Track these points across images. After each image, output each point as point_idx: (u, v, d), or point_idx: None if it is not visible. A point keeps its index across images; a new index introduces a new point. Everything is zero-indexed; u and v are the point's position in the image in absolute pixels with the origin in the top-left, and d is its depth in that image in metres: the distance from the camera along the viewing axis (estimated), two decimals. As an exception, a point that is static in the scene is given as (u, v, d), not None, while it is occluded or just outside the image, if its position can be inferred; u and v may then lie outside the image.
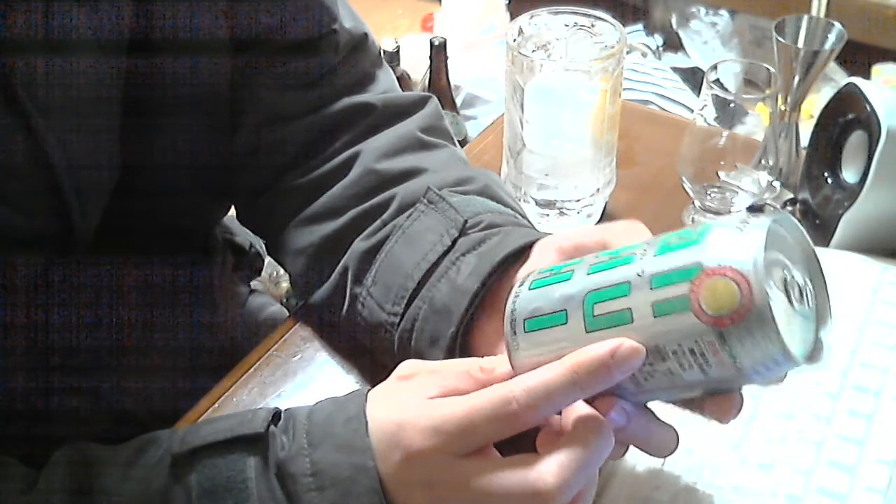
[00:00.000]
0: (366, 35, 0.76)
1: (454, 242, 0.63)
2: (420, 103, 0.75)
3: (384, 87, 0.76)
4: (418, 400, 0.51)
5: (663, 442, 0.52)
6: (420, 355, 0.61)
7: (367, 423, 0.51)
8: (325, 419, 0.53)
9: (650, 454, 0.53)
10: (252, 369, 0.71)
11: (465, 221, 0.63)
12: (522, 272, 0.59)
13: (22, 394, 0.68)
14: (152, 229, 0.71)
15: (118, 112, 0.65)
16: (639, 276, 0.47)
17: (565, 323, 0.48)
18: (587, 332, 0.48)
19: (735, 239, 0.45)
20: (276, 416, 0.54)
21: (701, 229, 0.47)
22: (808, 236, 0.49)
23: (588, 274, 0.49)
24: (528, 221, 0.68)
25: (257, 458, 0.52)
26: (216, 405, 0.68)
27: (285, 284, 1.32)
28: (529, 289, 0.51)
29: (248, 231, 0.89)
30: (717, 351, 0.45)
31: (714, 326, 0.44)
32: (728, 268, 0.44)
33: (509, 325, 0.51)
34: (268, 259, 0.93)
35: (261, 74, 0.71)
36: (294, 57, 0.72)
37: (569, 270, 0.50)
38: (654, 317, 0.46)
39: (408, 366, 0.54)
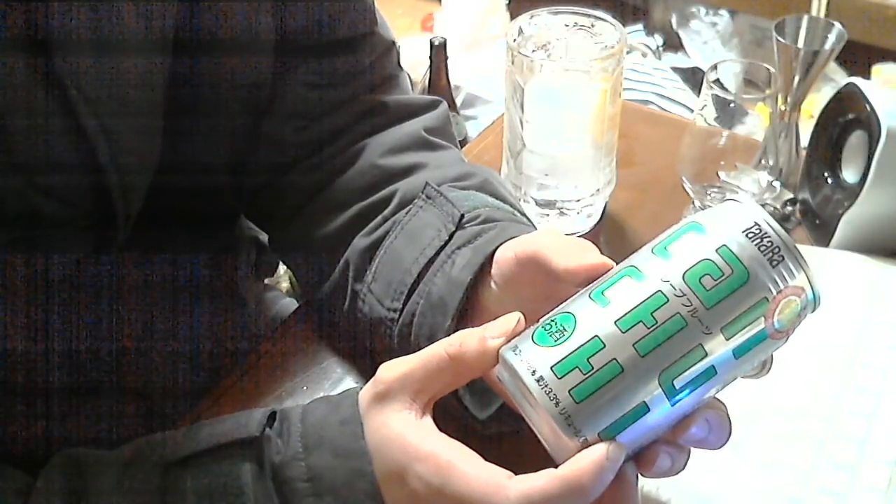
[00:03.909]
0: (393, 42, 0.77)
1: (451, 236, 0.63)
2: (430, 106, 0.75)
3: (402, 91, 0.76)
4: (415, 433, 0.49)
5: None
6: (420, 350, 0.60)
7: (362, 426, 0.51)
8: (318, 421, 0.52)
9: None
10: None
11: (462, 215, 0.63)
12: (492, 281, 0.58)
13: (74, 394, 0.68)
14: (179, 226, 0.71)
15: (162, 111, 0.65)
16: (706, 333, 0.45)
17: (648, 411, 0.45)
18: (672, 406, 0.46)
19: (765, 251, 0.46)
20: (272, 416, 0.54)
21: (716, 250, 0.46)
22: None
23: (645, 356, 0.45)
24: (528, 219, 0.68)
25: (252, 463, 0.51)
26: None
27: (285, 285, 1.32)
28: (578, 402, 0.45)
29: None
30: (780, 346, 0.48)
31: (785, 336, 0.47)
32: (790, 287, 0.46)
33: (563, 429, 0.45)
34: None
35: (297, 71, 0.71)
36: (333, 55, 0.72)
37: (608, 361, 0.45)
38: (736, 358, 0.46)
39: (382, 379, 0.51)
